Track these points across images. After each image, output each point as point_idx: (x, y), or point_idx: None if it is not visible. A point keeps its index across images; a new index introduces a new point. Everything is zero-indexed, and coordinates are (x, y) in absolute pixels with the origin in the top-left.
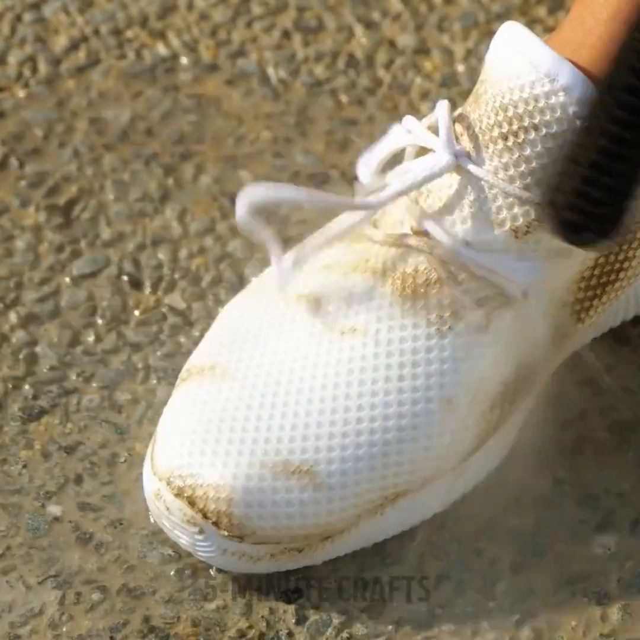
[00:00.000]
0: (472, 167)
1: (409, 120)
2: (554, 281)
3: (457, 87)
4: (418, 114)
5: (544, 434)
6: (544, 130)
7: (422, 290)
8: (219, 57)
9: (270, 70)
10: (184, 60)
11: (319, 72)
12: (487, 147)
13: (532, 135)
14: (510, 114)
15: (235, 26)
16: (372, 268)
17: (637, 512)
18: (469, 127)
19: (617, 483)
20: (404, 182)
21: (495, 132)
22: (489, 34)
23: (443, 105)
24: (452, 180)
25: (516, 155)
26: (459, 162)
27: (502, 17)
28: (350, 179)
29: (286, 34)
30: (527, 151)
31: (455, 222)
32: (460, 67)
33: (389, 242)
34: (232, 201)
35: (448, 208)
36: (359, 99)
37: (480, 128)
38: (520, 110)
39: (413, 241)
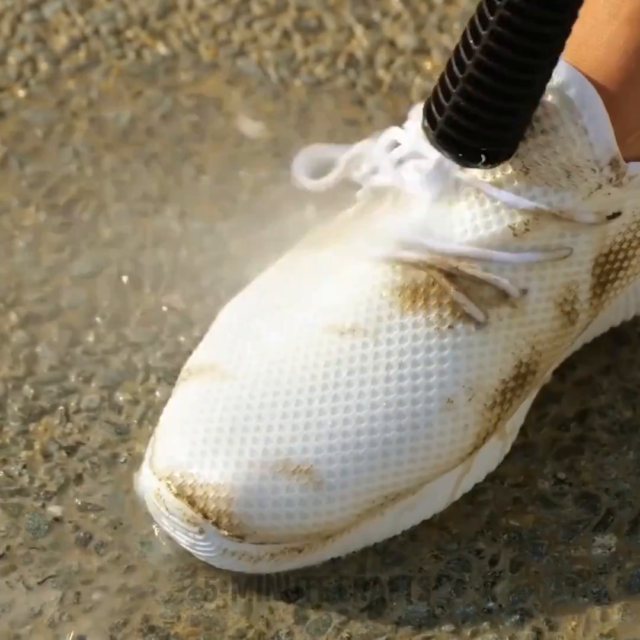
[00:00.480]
0: (469, 168)
1: (408, 123)
2: (553, 279)
3: None
4: None
5: (543, 434)
6: (540, 129)
7: (421, 289)
8: (219, 57)
9: (271, 70)
10: (184, 60)
11: (319, 72)
12: None
13: (528, 133)
14: None
15: (235, 26)
16: (372, 268)
17: (637, 512)
18: None
19: (617, 483)
20: (403, 188)
21: None
22: None
23: None
24: (450, 181)
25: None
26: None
27: None
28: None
29: (286, 34)
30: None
31: (453, 222)
32: None
33: (388, 242)
34: (232, 201)
35: (446, 208)
36: (359, 99)
37: None
38: None
39: (412, 241)
